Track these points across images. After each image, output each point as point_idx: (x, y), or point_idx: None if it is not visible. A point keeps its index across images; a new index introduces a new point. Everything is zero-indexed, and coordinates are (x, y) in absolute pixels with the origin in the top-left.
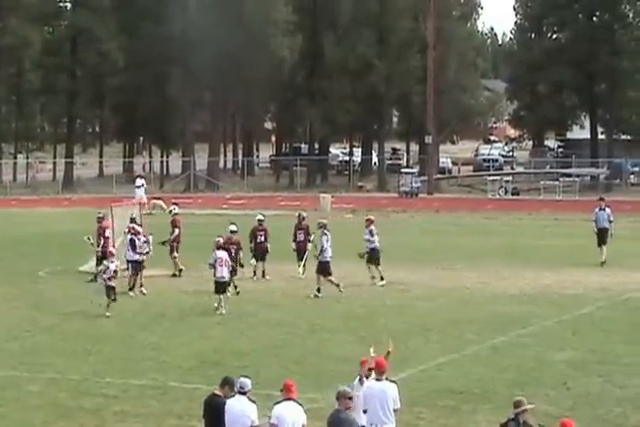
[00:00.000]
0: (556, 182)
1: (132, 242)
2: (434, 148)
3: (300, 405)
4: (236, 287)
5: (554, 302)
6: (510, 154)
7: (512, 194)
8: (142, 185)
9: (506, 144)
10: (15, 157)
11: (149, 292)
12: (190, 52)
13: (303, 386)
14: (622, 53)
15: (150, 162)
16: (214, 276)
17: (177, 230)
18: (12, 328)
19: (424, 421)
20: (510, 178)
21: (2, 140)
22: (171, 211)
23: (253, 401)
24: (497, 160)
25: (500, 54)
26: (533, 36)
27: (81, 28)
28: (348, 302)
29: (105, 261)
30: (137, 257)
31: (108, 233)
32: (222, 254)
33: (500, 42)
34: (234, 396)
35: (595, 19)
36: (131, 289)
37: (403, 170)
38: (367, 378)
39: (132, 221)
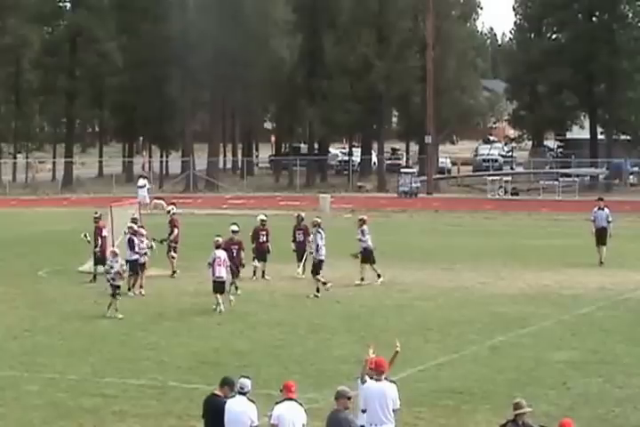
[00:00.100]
0: (556, 182)
1: (131, 242)
2: (433, 148)
3: (301, 405)
4: (237, 288)
5: (553, 301)
6: (510, 154)
7: (511, 194)
8: (145, 185)
9: (505, 144)
10: (15, 157)
11: (149, 292)
12: (190, 52)
13: (303, 386)
14: (622, 53)
15: (150, 162)
16: (213, 275)
17: (176, 230)
18: (11, 328)
19: (424, 421)
20: (510, 178)
21: (1, 140)
22: (169, 211)
23: (253, 401)
24: (496, 160)
25: (499, 54)
26: (533, 36)
27: (80, 28)
28: (347, 302)
29: (108, 261)
30: (135, 257)
31: (105, 233)
32: (221, 254)
33: (499, 42)
34: (234, 396)
35: (594, 19)
36: (130, 289)
37: (402, 170)
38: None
39: (134, 221)
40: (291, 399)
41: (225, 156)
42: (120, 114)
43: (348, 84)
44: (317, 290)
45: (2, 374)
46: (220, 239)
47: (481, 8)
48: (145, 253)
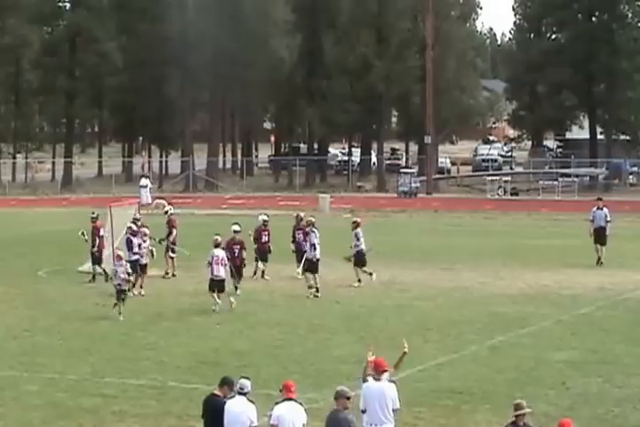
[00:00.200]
0: (555, 182)
1: (129, 242)
2: (433, 148)
3: (301, 404)
4: (236, 288)
5: (553, 301)
6: (509, 154)
7: (511, 194)
8: (147, 185)
9: (505, 144)
10: (14, 157)
11: (148, 292)
12: (189, 52)
13: (302, 386)
14: (621, 53)
15: (149, 162)
16: (211, 274)
17: (174, 231)
18: (10, 328)
19: (423, 421)
20: (509, 178)
21: (1, 140)
22: (166, 211)
23: (253, 402)
24: (496, 160)
25: (499, 54)
26: (532, 36)
27: (80, 28)
28: (347, 302)
29: (113, 265)
30: (135, 257)
31: (102, 233)
32: (219, 253)
33: (499, 42)
34: (233, 397)
35: (594, 19)
36: (129, 290)
37: (402, 170)
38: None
39: (135, 221)
40: (290, 399)
41: (224, 156)
42: (119, 114)
43: (348, 85)
44: (317, 290)
45: (1, 374)
46: (219, 238)
47: (480, 8)
48: (147, 253)
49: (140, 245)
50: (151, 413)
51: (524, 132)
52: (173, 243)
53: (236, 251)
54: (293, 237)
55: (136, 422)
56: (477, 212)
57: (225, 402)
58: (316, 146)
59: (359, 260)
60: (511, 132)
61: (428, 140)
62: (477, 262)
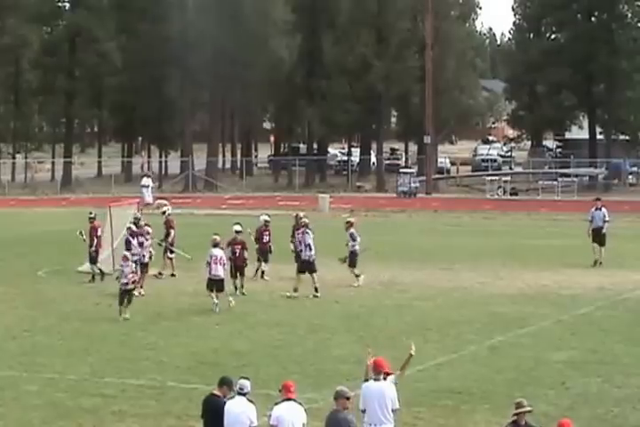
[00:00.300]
0: (555, 182)
1: (128, 243)
2: (432, 148)
3: (301, 404)
4: (236, 288)
5: (552, 301)
6: (509, 154)
7: (510, 194)
8: (148, 185)
9: (504, 144)
10: (14, 157)
11: (148, 292)
12: (189, 52)
13: (302, 386)
14: (621, 53)
15: (148, 162)
16: (209, 273)
17: (172, 231)
18: (10, 328)
19: (423, 421)
20: (509, 178)
21: (0, 140)
22: (164, 212)
23: (253, 402)
24: (495, 160)
25: (498, 54)
26: (532, 36)
27: (79, 28)
28: (346, 302)
29: (118, 266)
30: (134, 258)
31: (99, 233)
32: (218, 252)
33: (498, 42)
34: (233, 397)
35: (593, 19)
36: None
37: (401, 170)
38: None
39: (136, 221)
40: (290, 399)
41: (224, 156)
42: (119, 114)
43: (347, 85)
44: (316, 289)
45: (1, 374)
46: (218, 238)
47: (480, 8)
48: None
49: (142, 244)
50: (151, 413)
51: (524, 132)
52: (171, 244)
53: (237, 251)
54: (293, 236)
55: (135, 422)
56: (477, 212)
57: (224, 402)
58: (315, 146)
59: (352, 260)
60: (510, 132)
61: (427, 140)
62: (477, 262)
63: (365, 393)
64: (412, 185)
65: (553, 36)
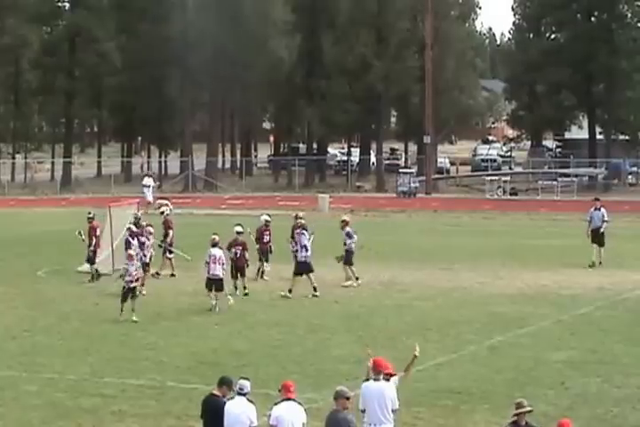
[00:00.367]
0: (554, 182)
1: (128, 243)
2: (432, 148)
3: (300, 404)
4: (236, 288)
5: (552, 301)
6: (508, 154)
7: (510, 194)
8: (150, 184)
9: (504, 144)
10: (13, 157)
11: (148, 292)
12: (189, 52)
13: (302, 386)
14: (621, 53)
15: (148, 162)
16: (208, 273)
17: (171, 232)
18: (10, 328)
19: (422, 421)
20: (508, 178)
21: (0, 140)
22: (162, 212)
23: (252, 402)
24: (495, 160)
25: (498, 54)
26: (532, 36)
27: (79, 28)
28: (346, 302)
29: (124, 265)
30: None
31: (98, 233)
32: (216, 252)
33: (498, 42)
34: (233, 397)
35: (593, 19)
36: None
37: (401, 170)
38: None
39: (136, 221)
40: (289, 399)
41: (224, 156)
42: (119, 114)
43: (347, 85)
44: (315, 289)
45: (1, 374)
46: (217, 237)
47: (480, 8)
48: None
49: (144, 244)
50: (150, 413)
51: (524, 132)
52: (170, 244)
53: (238, 252)
54: (292, 237)
55: (135, 422)
56: (476, 212)
57: (224, 402)
58: (315, 146)
59: (347, 258)
60: (510, 132)
61: (427, 140)
62: (476, 262)
63: (365, 393)
64: (412, 185)
65: (553, 36)
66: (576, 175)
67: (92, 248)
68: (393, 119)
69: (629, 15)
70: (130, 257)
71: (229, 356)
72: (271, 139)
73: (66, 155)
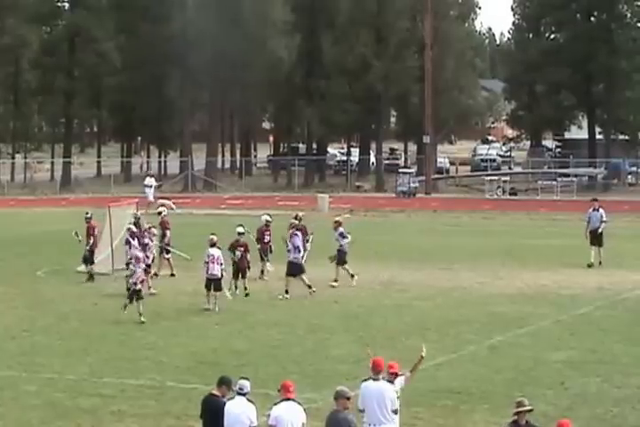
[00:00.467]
0: (554, 182)
1: (127, 243)
2: (431, 148)
3: (300, 404)
4: (236, 288)
5: (551, 301)
6: (508, 154)
7: (510, 194)
8: (151, 184)
9: (503, 144)
10: (13, 157)
11: (147, 292)
12: (188, 52)
13: (301, 386)
14: (620, 53)
15: (147, 162)
16: (206, 273)
17: (168, 232)
18: (9, 328)
19: (422, 421)
20: (508, 178)
21: (0, 140)
22: (160, 212)
23: (252, 402)
24: (495, 160)
25: (497, 54)
26: (531, 36)
27: (79, 27)
28: (345, 301)
29: (131, 266)
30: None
31: (96, 233)
32: (215, 252)
33: (497, 42)
34: (233, 397)
35: (592, 19)
36: (128, 289)
37: (400, 170)
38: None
39: (136, 221)
40: (289, 399)
41: (223, 156)
42: (118, 114)
43: (347, 85)
44: (309, 287)
45: (0, 374)
46: (215, 237)
47: (479, 8)
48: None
49: (147, 245)
50: (150, 413)
51: (523, 132)
52: (167, 244)
53: (240, 253)
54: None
55: (135, 422)
56: (476, 212)
57: (224, 402)
58: (314, 146)
59: (340, 258)
60: (510, 132)
61: (426, 140)
62: (476, 262)
63: (364, 393)
64: (412, 185)
65: (552, 36)
66: (576, 175)
67: (88, 248)
68: (392, 119)
69: (629, 15)
70: (137, 259)
71: (229, 356)
72: (271, 139)
73: (65, 155)
